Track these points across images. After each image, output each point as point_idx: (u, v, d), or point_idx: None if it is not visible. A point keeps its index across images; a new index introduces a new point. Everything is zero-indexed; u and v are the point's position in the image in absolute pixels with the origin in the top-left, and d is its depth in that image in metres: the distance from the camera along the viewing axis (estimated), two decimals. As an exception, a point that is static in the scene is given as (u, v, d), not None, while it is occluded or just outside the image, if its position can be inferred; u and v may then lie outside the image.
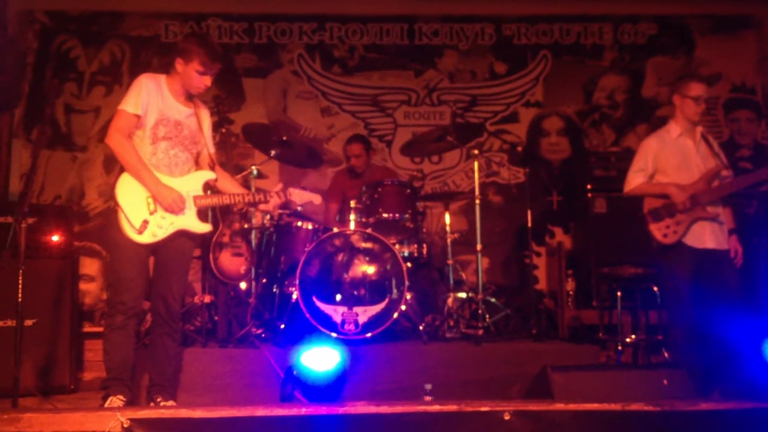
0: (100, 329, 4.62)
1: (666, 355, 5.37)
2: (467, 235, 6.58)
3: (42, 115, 7.03)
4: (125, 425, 3.12)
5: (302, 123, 7.34)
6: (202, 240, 4.89)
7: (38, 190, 6.91)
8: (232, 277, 5.34)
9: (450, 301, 5.79)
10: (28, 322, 4.94)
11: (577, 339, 5.84)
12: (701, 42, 7.53)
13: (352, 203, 5.50)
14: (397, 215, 5.55)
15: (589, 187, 6.55)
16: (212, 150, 4.42)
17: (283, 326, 5.18)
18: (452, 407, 3.35)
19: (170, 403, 4.23)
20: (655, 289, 5.51)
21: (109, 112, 6.88)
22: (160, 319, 4.25)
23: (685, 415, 3.47)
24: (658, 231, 4.71)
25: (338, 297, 5.10)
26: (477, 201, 5.90)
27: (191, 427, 3.21)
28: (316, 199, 4.66)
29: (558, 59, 7.49)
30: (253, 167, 5.77)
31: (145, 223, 4.06)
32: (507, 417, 3.31)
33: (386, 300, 5.13)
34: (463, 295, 5.97)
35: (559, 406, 3.44)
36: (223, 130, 5.98)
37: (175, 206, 4.10)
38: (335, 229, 5.35)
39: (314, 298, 5.05)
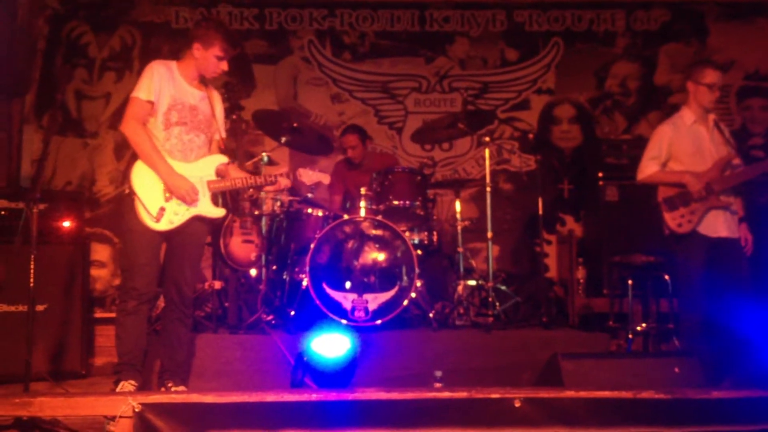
0: (111, 315, 4.65)
1: (677, 343, 5.35)
2: (478, 223, 6.56)
3: (53, 101, 7.04)
4: (137, 410, 3.13)
5: (312, 110, 7.33)
6: (213, 226, 4.90)
7: (50, 176, 6.93)
8: (242, 263, 5.35)
9: (460, 288, 5.78)
10: (40, 308, 4.97)
11: (587, 327, 5.84)
12: (714, 29, 7.46)
13: (363, 190, 5.49)
14: (407, 202, 5.55)
15: (600, 175, 6.53)
16: (223, 134, 4.43)
17: (293, 313, 5.18)
18: (462, 394, 3.35)
19: (181, 388, 4.25)
20: (666, 277, 5.49)
21: (120, 98, 6.91)
22: (173, 305, 4.27)
23: (697, 404, 3.46)
24: (672, 220, 4.68)
25: (348, 284, 5.09)
26: (488, 188, 5.88)
27: (202, 412, 3.22)
28: (325, 178, 4.69)
29: (570, 46, 7.44)
30: (264, 154, 5.77)
31: (162, 210, 4.08)
32: (517, 404, 3.31)
33: (396, 287, 5.13)
34: (473, 282, 5.96)
35: (570, 393, 3.43)
36: (234, 117, 5.96)
37: (188, 197, 4.11)
38: (346, 216, 5.35)
39: (324, 285, 5.05)
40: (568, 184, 7.29)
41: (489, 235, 5.87)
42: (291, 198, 5.67)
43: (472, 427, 3.28)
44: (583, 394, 3.41)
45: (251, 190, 5.47)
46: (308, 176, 4.58)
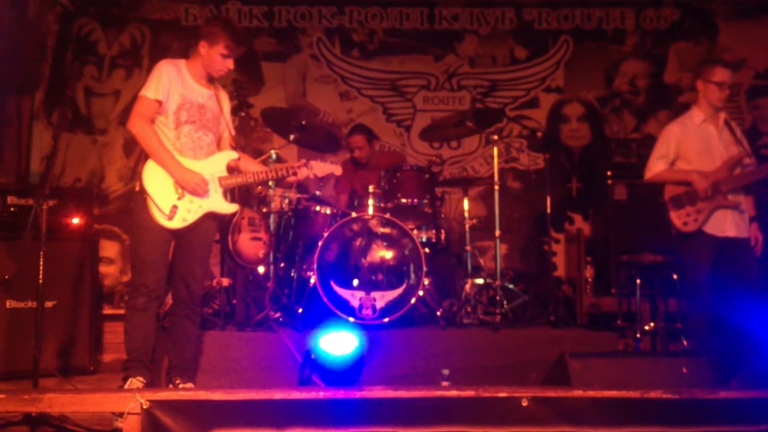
0: (120, 311, 4.67)
1: (685, 342, 5.35)
2: (486, 221, 6.55)
3: (62, 98, 7.05)
4: (145, 406, 3.14)
5: (321, 107, 7.33)
6: (222, 223, 4.91)
7: (59, 172, 6.95)
8: (250, 260, 5.36)
9: (468, 286, 5.78)
10: (49, 304, 5.00)
11: (595, 326, 5.83)
12: (724, 27, 7.43)
13: (371, 188, 5.49)
14: (415, 200, 5.55)
15: (609, 173, 6.52)
16: (233, 131, 4.45)
17: (300, 310, 5.19)
18: (470, 393, 3.35)
19: (189, 385, 4.27)
20: (675, 276, 5.48)
21: (129, 95, 6.93)
22: (181, 302, 4.29)
23: (705, 403, 3.45)
24: (678, 219, 4.67)
25: (356, 282, 5.10)
26: (496, 187, 5.87)
27: (210, 409, 3.23)
28: (337, 170, 4.70)
29: (579, 44, 7.42)
30: (272, 151, 5.77)
31: (174, 208, 4.09)
32: (525, 403, 3.30)
33: (404, 285, 5.13)
34: (480, 281, 5.95)
35: (578, 392, 3.42)
36: (243, 114, 5.97)
37: (199, 189, 4.12)
38: (354, 214, 5.35)
39: (332, 283, 5.06)
40: (576, 183, 7.27)
41: (497, 233, 5.86)
42: (299, 195, 5.68)
43: (479, 426, 3.28)
44: (590, 393, 3.40)
45: (259, 186, 5.49)
46: (320, 168, 4.59)
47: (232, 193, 4.89)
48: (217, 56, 4.20)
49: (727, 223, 4.65)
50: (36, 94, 7.08)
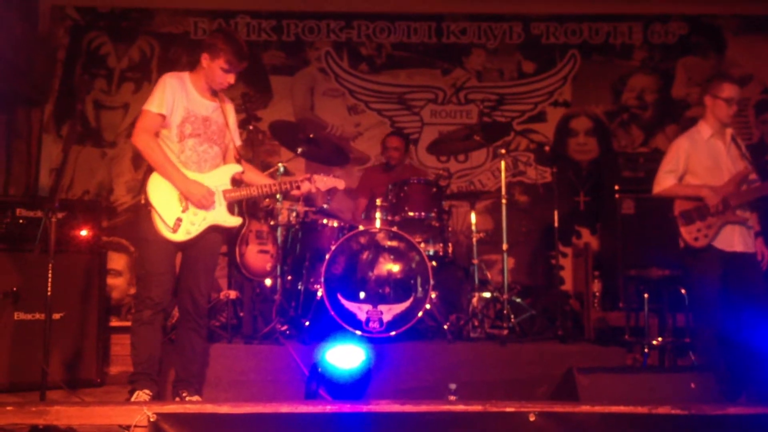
0: (127, 324, 4.66)
1: (693, 358, 5.32)
2: (493, 235, 6.55)
3: (72, 110, 7.09)
4: (152, 419, 3.14)
5: (329, 121, 7.36)
6: (229, 236, 4.92)
7: (67, 185, 6.98)
8: (257, 273, 5.36)
9: (475, 300, 5.77)
10: (56, 316, 5.00)
11: (603, 341, 5.79)
12: (732, 42, 7.44)
13: (378, 201, 5.50)
14: (422, 214, 5.54)
15: (617, 188, 6.50)
16: (238, 143, 4.46)
17: (307, 323, 5.19)
18: (477, 407, 3.34)
19: (196, 398, 4.26)
20: (683, 291, 5.45)
21: (138, 108, 6.78)
22: (187, 315, 4.29)
23: (713, 419, 3.43)
24: (688, 234, 4.65)
25: (363, 295, 5.10)
26: (503, 200, 5.87)
27: (217, 422, 3.23)
28: (340, 184, 4.69)
29: (587, 59, 7.44)
30: (280, 164, 5.78)
31: (179, 221, 4.10)
32: (532, 418, 3.29)
33: (411, 299, 5.13)
34: (488, 294, 5.94)
35: (585, 408, 3.41)
36: (251, 127, 5.99)
37: (204, 201, 4.13)
38: (361, 227, 5.36)
39: (339, 296, 5.06)
40: (584, 197, 7.27)
41: (504, 247, 5.86)
42: (306, 208, 5.69)
43: (486, 441, 3.27)
44: (598, 408, 3.39)
45: (267, 199, 5.50)
46: (323, 182, 4.59)
47: (239, 206, 4.91)
48: (217, 69, 4.20)
49: (736, 238, 4.64)
50: (46, 106, 7.13)
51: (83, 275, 5.31)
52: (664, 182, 4.78)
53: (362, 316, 5.04)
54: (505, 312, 5.66)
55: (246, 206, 5.29)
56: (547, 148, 6.67)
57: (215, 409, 3.28)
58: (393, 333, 5.02)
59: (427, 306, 5.11)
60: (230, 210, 4.33)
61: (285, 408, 3.32)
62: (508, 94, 7.43)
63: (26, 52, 6.83)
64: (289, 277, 5.67)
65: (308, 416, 3.31)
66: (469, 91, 7.41)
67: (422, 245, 5.40)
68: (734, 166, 4.73)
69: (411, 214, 5.51)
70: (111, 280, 6.66)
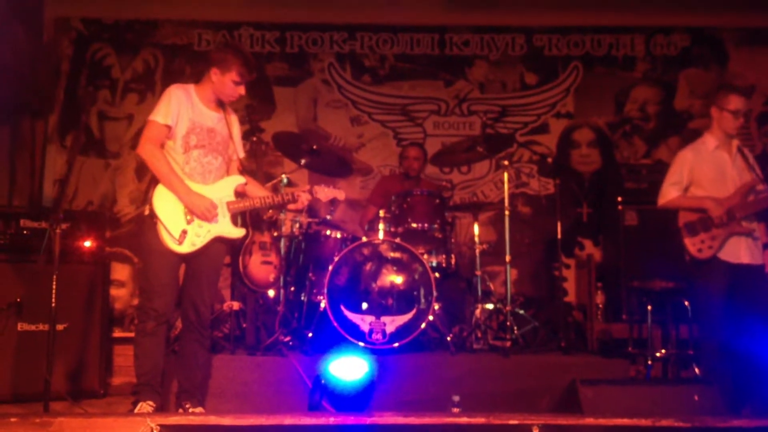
0: (130, 335, 4.66)
1: (697, 370, 5.31)
2: (496, 246, 6.56)
3: (76, 122, 7.11)
4: (155, 431, 3.14)
5: (332, 132, 7.37)
6: (232, 247, 4.92)
7: (71, 195, 6.99)
8: (260, 284, 5.36)
9: (478, 312, 5.76)
10: (60, 327, 5.00)
11: (606, 353, 5.78)
12: (735, 54, 7.45)
13: (381, 212, 5.50)
14: (425, 225, 5.55)
15: (619, 199, 6.50)
16: (241, 155, 4.48)
17: (310, 335, 5.18)
18: (480, 419, 3.33)
19: (199, 409, 4.26)
20: (686, 303, 5.45)
21: (142, 119, 6.94)
22: (191, 326, 4.29)
23: (717, 432, 3.43)
24: (693, 246, 4.65)
25: (366, 306, 5.09)
26: (506, 212, 5.88)
27: (220, 434, 3.23)
28: (340, 195, 4.71)
29: (589, 70, 7.45)
30: (283, 175, 5.81)
31: (184, 233, 4.11)
32: (536, 430, 3.28)
33: (414, 310, 5.12)
34: (491, 306, 5.94)
35: (589, 420, 3.41)
36: (254, 139, 6.00)
37: (208, 214, 4.14)
38: (364, 238, 5.36)
39: (342, 307, 5.06)
40: (587, 208, 7.27)
41: (507, 258, 5.86)
42: (310, 220, 5.70)
43: (489, 453, 3.27)
44: (602, 421, 3.39)
45: (270, 210, 5.51)
46: (324, 193, 4.62)
47: (242, 217, 4.92)
48: (229, 83, 4.24)
49: (742, 250, 4.63)
50: (50, 117, 7.15)
51: (87, 286, 5.31)
52: (669, 194, 4.78)
53: (365, 327, 5.04)
54: (508, 323, 5.66)
55: (249, 217, 5.30)
56: (549, 159, 6.69)
57: (218, 421, 3.27)
58: (396, 344, 5.01)
59: (430, 317, 5.11)
60: (234, 221, 4.34)
61: (288, 420, 3.32)
62: (510, 105, 7.44)
63: (31, 63, 6.86)
64: (293, 288, 5.68)
65: (311, 428, 3.31)
66: (472, 102, 7.43)
67: (425, 256, 5.41)
68: (740, 178, 4.73)
69: (414, 225, 5.52)
70: (114, 291, 6.66)
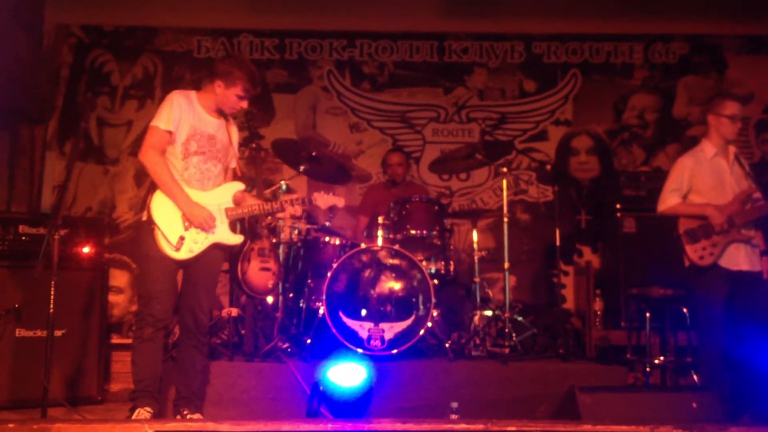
0: (128, 341, 4.65)
1: (695, 377, 5.30)
2: (494, 253, 6.56)
3: (76, 128, 7.12)
4: (153, 437, 3.14)
5: (331, 139, 7.38)
6: (231, 253, 4.92)
7: (70, 202, 7.00)
8: (259, 291, 5.36)
9: (476, 318, 5.76)
10: (58, 333, 4.98)
11: (604, 359, 5.78)
12: (733, 62, 7.48)
13: (380, 219, 5.51)
14: (424, 232, 5.56)
15: (618, 206, 6.50)
16: (235, 164, 4.48)
17: (309, 341, 5.18)
18: (479, 426, 3.33)
19: (197, 416, 4.25)
20: (685, 310, 5.45)
21: (141, 125, 7.00)
22: (188, 332, 4.29)
23: (716, 439, 3.42)
24: (693, 253, 4.65)
25: (364, 313, 5.09)
26: (505, 219, 5.89)
27: (218, 440, 3.22)
28: (340, 202, 4.71)
29: (588, 78, 7.47)
30: (282, 182, 5.81)
31: (182, 239, 4.11)
32: (534, 437, 3.29)
33: (413, 317, 5.13)
34: (489, 313, 5.93)
35: (587, 427, 3.41)
36: (253, 145, 6.01)
37: (206, 225, 4.15)
38: (363, 245, 5.36)
39: (341, 314, 5.06)
40: (585, 215, 7.28)
41: (506, 265, 5.87)
42: (309, 226, 5.70)
43: (488, 460, 3.26)
44: (600, 427, 3.38)
45: (269, 217, 5.51)
46: (323, 200, 4.63)
47: (241, 224, 4.92)
48: (232, 96, 4.26)
49: (741, 257, 4.64)
50: (49, 123, 7.16)
51: (85, 292, 5.29)
52: (669, 201, 4.78)
53: (364, 333, 5.04)
54: (506, 330, 5.66)
55: (248, 224, 5.31)
56: (548, 166, 6.70)
57: (216, 427, 3.27)
58: (395, 351, 5.01)
59: (429, 324, 5.11)
60: (232, 228, 4.34)
61: (286, 426, 3.32)
62: (509, 112, 7.46)
63: (30, 70, 6.86)
64: (291, 295, 5.68)
65: (310, 434, 3.31)
66: (471, 109, 7.44)
67: (424, 263, 5.41)
68: (738, 185, 4.74)
69: (413, 232, 5.53)
70: (112, 297, 6.66)
